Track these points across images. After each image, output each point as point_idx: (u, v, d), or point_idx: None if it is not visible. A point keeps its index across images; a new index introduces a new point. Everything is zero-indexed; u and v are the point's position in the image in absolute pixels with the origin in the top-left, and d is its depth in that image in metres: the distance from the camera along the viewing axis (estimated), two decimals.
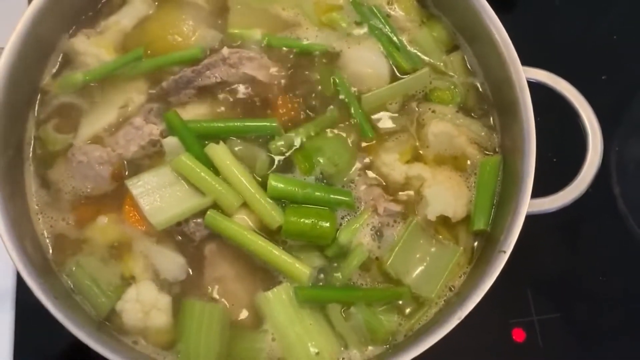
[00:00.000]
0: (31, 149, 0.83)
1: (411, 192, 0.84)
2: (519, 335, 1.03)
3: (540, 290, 1.05)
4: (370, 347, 0.77)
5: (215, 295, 0.78)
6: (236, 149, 0.82)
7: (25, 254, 0.71)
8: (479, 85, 0.91)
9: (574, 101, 0.83)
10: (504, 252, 0.74)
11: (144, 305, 0.75)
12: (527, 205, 0.76)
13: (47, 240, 0.79)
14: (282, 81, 0.88)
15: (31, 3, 0.80)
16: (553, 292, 1.05)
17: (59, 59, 0.87)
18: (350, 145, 0.85)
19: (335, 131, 0.86)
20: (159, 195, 0.79)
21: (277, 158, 0.84)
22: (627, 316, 1.05)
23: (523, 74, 0.81)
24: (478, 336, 0.98)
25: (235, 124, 0.84)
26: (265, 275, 0.80)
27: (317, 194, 0.80)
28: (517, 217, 0.75)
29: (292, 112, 0.85)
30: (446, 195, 0.81)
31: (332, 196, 0.81)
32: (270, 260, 0.77)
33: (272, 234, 0.80)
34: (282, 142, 0.83)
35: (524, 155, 0.78)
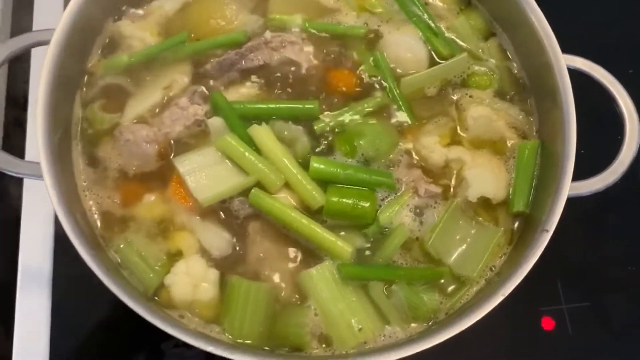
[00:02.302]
0: (79, 129, 0.85)
1: (451, 174, 0.85)
2: (548, 323, 1.03)
3: (570, 279, 1.05)
4: (412, 325, 0.78)
5: (259, 272, 0.80)
6: (278, 130, 0.84)
7: (77, 227, 0.72)
8: (515, 70, 0.93)
9: (611, 88, 0.84)
10: (547, 231, 0.75)
11: (194, 278, 0.77)
12: (569, 186, 0.77)
13: (95, 217, 0.81)
14: (321, 65, 0.89)
15: None
16: (582, 281, 1.05)
17: (105, 42, 0.89)
18: (391, 128, 0.87)
19: (377, 114, 0.87)
20: (205, 174, 0.80)
21: (318, 140, 0.85)
22: None
23: (563, 61, 0.83)
24: (508, 324, 1.00)
25: (277, 105, 0.86)
26: (307, 252, 0.81)
27: (359, 175, 0.82)
28: (559, 198, 0.76)
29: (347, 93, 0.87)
30: (487, 178, 0.83)
31: (373, 177, 0.82)
32: (313, 238, 0.79)
33: (312, 213, 0.81)
34: (326, 123, 0.84)
35: (564, 139, 0.80)
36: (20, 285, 0.97)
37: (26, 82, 1.10)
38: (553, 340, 1.02)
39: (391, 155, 0.85)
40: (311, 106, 0.85)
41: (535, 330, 1.02)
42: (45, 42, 0.81)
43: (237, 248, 0.81)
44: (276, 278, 0.80)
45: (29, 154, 1.03)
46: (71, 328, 0.96)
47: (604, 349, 1.02)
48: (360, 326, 0.76)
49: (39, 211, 1.01)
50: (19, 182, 1.04)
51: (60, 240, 0.99)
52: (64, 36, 0.80)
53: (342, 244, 0.78)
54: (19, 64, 1.14)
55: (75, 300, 0.97)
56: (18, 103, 1.14)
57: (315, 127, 0.85)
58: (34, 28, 1.10)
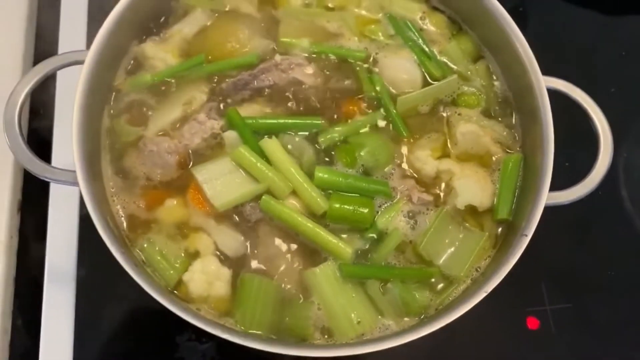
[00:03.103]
0: (107, 140, 0.94)
1: (441, 184, 0.94)
2: (533, 323, 1.11)
3: (553, 282, 1.12)
4: (404, 319, 0.87)
5: (268, 270, 0.89)
6: (286, 143, 0.93)
7: (108, 229, 0.81)
8: (501, 91, 1.02)
9: (587, 107, 0.93)
10: (526, 235, 0.84)
11: (209, 276, 0.85)
12: (546, 195, 0.86)
13: (122, 219, 0.90)
14: (325, 84, 0.99)
15: (109, 15, 0.92)
16: (565, 284, 1.13)
17: (130, 62, 0.99)
18: (388, 142, 0.96)
19: (374, 129, 0.97)
20: (220, 182, 0.89)
21: (322, 151, 0.94)
22: (632, 308, 1.13)
23: (543, 83, 0.91)
24: (495, 323, 1.08)
25: (285, 120, 0.95)
26: (312, 253, 0.90)
27: (358, 183, 0.91)
28: (538, 206, 0.85)
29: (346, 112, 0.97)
30: (474, 187, 0.91)
31: (371, 186, 0.91)
32: (317, 240, 0.88)
33: (317, 218, 0.90)
34: (329, 136, 0.93)
35: (543, 153, 0.89)
36: (47, 284, 1.05)
37: (46, 95, 1.19)
38: (538, 339, 1.09)
39: (388, 167, 0.94)
40: (316, 121, 0.95)
41: (521, 329, 1.09)
42: (79, 62, 0.91)
43: (249, 248, 0.90)
44: (283, 275, 0.88)
45: (56, 161, 1.11)
46: (93, 323, 1.04)
47: (584, 346, 1.10)
48: (359, 319, 0.85)
49: (64, 213, 1.09)
50: (44, 186, 1.12)
51: (84, 242, 1.07)
52: (96, 57, 0.89)
53: (343, 246, 0.87)
54: None
55: (97, 297, 1.05)
56: (38, 113, 1.22)
57: (320, 140, 0.94)
58: (60, 50, 1.19)
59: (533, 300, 1.11)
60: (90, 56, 0.88)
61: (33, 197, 1.16)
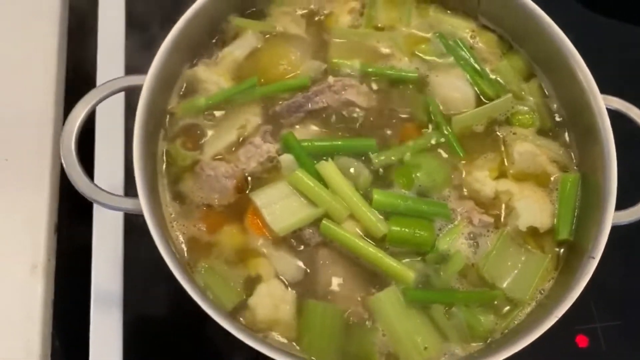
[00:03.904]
0: (164, 165, 0.94)
1: (500, 205, 0.93)
2: (582, 341, 1.10)
3: (603, 299, 1.11)
4: (471, 344, 0.86)
5: (329, 295, 0.87)
6: (342, 165, 0.92)
7: (172, 254, 0.80)
8: (555, 109, 1.01)
9: None
10: (593, 258, 0.83)
11: (275, 299, 0.84)
12: (612, 218, 0.85)
13: (182, 244, 0.89)
14: (378, 105, 0.98)
15: (165, 39, 0.91)
16: (615, 301, 1.12)
17: (183, 86, 0.98)
18: (445, 162, 0.95)
19: (429, 150, 0.96)
20: (279, 206, 0.88)
21: (378, 173, 0.93)
22: None
23: (602, 102, 0.91)
24: (544, 342, 1.06)
25: (340, 142, 0.94)
26: (372, 277, 0.89)
27: (417, 206, 0.90)
28: (604, 228, 0.84)
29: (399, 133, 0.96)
30: (535, 208, 0.91)
31: (430, 208, 0.90)
32: (379, 265, 0.87)
33: (376, 241, 0.89)
34: (385, 158, 0.93)
35: (605, 174, 0.87)
36: (94, 308, 1.04)
37: None
38: (588, 357, 1.08)
39: (445, 188, 0.93)
40: (370, 143, 0.94)
41: (570, 347, 1.08)
42: (132, 87, 0.91)
43: (309, 273, 0.89)
44: (345, 301, 0.87)
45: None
46: (143, 346, 1.03)
47: None
48: (425, 345, 0.84)
49: (108, 236, 1.08)
50: (80, 207, 1.11)
51: (129, 264, 1.07)
52: (153, 81, 0.89)
53: (406, 270, 0.86)
54: None
55: (145, 319, 1.05)
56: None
57: (375, 162, 0.93)
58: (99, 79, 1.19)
59: (582, 318, 1.10)
60: (148, 80, 0.88)
61: (69, 218, 1.16)
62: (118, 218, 1.10)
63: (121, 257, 1.07)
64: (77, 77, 1.27)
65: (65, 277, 1.12)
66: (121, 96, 1.15)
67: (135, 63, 1.21)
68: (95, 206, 1.11)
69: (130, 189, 1.09)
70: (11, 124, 1.17)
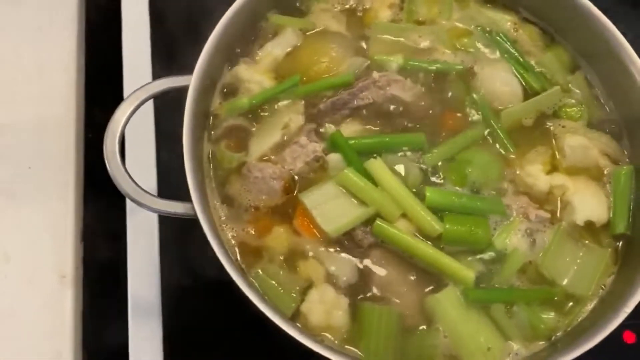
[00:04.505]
0: (210, 167, 0.91)
1: (555, 200, 0.91)
2: (629, 337, 1.08)
3: None
4: (535, 342, 0.84)
5: (385, 297, 0.85)
6: (390, 163, 0.90)
7: (227, 256, 0.78)
8: (603, 100, 0.99)
9: None
10: None
11: (327, 305, 0.82)
12: None
13: (235, 248, 0.86)
14: (424, 100, 0.96)
15: (208, 39, 0.89)
16: None
17: (224, 87, 0.96)
18: (497, 157, 0.93)
19: (480, 144, 0.94)
20: (329, 207, 0.86)
21: (428, 170, 0.91)
22: None
23: None
24: None
25: (388, 139, 0.92)
26: (428, 278, 0.86)
27: (472, 203, 0.88)
28: None
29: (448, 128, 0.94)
30: (591, 202, 0.89)
31: (485, 205, 0.88)
32: (437, 265, 0.84)
33: (430, 240, 0.87)
34: (435, 154, 0.91)
35: None
36: (132, 318, 1.01)
37: None
38: (635, 353, 1.06)
39: (498, 183, 0.91)
40: (419, 138, 0.92)
41: (617, 344, 1.05)
42: (174, 89, 0.88)
43: (362, 275, 0.86)
44: (402, 302, 0.85)
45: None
46: (183, 354, 1.00)
47: None
48: (489, 346, 0.81)
49: (143, 244, 1.06)
50: (122, 218, 1.09)
51: (165, 271, 1.04)
52: (198, 82, 0.86)
53: (466, 270, 0.83)
54: None
55: (184, 328, 1.01)
56: None
57: (426, 158, 0.91)
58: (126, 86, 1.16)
59: (629, 314, 1.08)
60: (194, 80, 0.85)
61: (96, 226, 1.13)
62: (153, 224, 1.07)
63: (157, 264, 1.04)
64: (100, 82, 1.25)
65: (96, 286, 1.10)
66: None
67: (164, 66, 1.19)
68: (128, 212, 1.09)
69: (163, 193, 1.07)
70: (33, 132, 1.16)
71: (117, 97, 1.15)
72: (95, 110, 1.22)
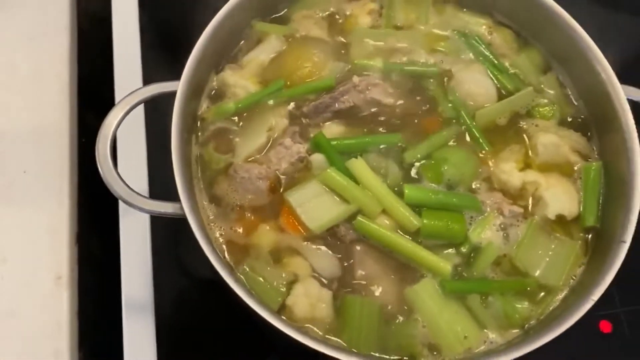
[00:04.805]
0: (198, 169, 0.95)
1: (528, 195, 0.95)
2: (605, 326, 1.12)
3: (624, 284, 1.12)
4: (509, 331, 0.88)
5: (367, 290, 0.89)
6: (371, 162, 0.94)
7: (215, 253, 0.82)
8: (574, 100, 1.04)
9: None
10: (624, 242, 0.85)
11: (311, 298, 0.86)
12: (639, 202, 0.87)
13: (223, 246, 0.90)
14: (402, 102, 1.00)
15: (192, 53, 0.93)
16: (636, 286, 1.12)
17: (212, 91, 1.00)
18: (472, 155, 0.97)
19: (456, 143, 0.98)
20: (313, 205, 0.90)
21: (406, 168, 0.95)
22: None
23: (622, 92, 0.93)
24: (568, 329, 1.08)
25: (367, 139, 0.97)
26: (408, 270, 0.90)
27: (448, 199, 0.92)
28: (633, 211, 0.86)
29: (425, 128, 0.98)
30: (562, 197, 0.93)
31: (461, 201, 0.92)
32: (415, 258, 0.88)
33: (409, 235, 0.91)
34: (413, 153, 0.95)
35: (628, 161, 0.90)
36: (126, 316, 1.04)
37: None
38: (611, 342, 1.10)
39: (473, 180, 0.96)
40: (396, 137, 0.96)
41: (594, 333, 1.10)
42: (164, 94, 0.92)
43: (345, 269, 0.90)
44: (383, 294, 0.89)
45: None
46: (176, 351, 1.03)
47: None
48: (465, 334, 0.86)
49: (136, 244, 1.09)
50: (115, 219, 1.13)
51: (158, 270, 1.07)
52: (185, 87, 0.90)
53: (443, 262, 0.88)
54: None
55: (177, 325, 1.05)
56: None
57: (405, 156, 0.95)
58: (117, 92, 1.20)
59: (605, 304, 1.09)
60: (181, 86, 0.89)
61: (91, 227, 1.17)
62: (145, 225, 1.10)
63: (150, 265, 1.08)
64: (92, 88, 1.28)
65: (91, 286, 1.13)
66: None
67: (153, 72, 1.22)
68: (121, 214, 1.12)
69: (154, 194, 1.10)
70: (28, 138, 1.18)
71: (109, 102, 1.19)
72: (88, 115, 1.26)
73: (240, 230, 0.91)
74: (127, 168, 1.12)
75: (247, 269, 0.88)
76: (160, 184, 1.10)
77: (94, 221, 1.17)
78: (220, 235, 0.91)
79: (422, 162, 0.96)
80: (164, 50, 1.26)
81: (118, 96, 1.19)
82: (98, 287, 1.14)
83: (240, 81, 0.99)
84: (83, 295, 1.11)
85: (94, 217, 1.17)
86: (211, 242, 0.84)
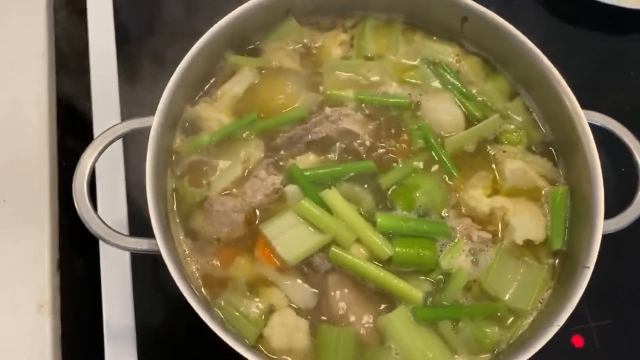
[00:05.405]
0: (174, 203, 0.97)
1: (496, 221, 0.98)
2: (577, 341, 1.15)
3: (595, 299, 1.14)
4: (480, 356, 0.91)
5: (342, 319, 0.91)
6: (345, 191, 0.96)
7: (190, 290, 0.83)
8: (540, 125, 1.07)
9: (627, 141, 0.98)
10: (588, 267, 0.88)
11: (288, 329, 0.88)
12: (602, 227, 0.90)
13: (198, 280, 0.92)
14: (374, 131, 1.03)
15: (169, 82, 0.94)
16: (606, 299, 1.16)
17: (186, 125, 1.02)
18: (441, 182, 1.00)
19: (426, 171, 1.01)
20: (288, 236, 0.92)
21: (380, 196, 0.98)
22: None
23: (584, 118, 0.96)
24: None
25: (340, 168, 0.99)
26: (382, 299, 0.93)
27: (419, 226, 0.95)
28: (595, 238, 0.89)
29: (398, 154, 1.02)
30: (529, 222, 0.96)
31: (432, 227, 0.95)
32: (387, 286, 0.91)
33: (382, 263, 0.93)
34: (385, 181, 0.98)
35: (591, 185, 0.93)
36: (107, 344, 1.06)
37: None
38: (583, 357, 1.13)
39: (444, 207, 0.98)
40: (368, 165, 0.99)
41: (566, 348, 1.13)
42: (139, 129, 0.94)
43: (321, 299, 0.92)
44: (358, 323, 0.91)
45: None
46: None
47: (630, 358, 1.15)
48: None
49: (116, 271, 1.10)
50: (93, 244, 1.13)
51: (139, 296, 1.09)
52: (160, 122, 0.92)
53: (414, 290, 0.90)
54: None
55: (159, 353, 1.07)
56: None
57: (382, 181, 0.97)
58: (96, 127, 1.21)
59: (577, 319, 1.13)
60: (155, 122, 0.91)
61: (73, 255, 1.18)
62: (125, 253, 1.12)
63: (131, 291, 1.09)
64: (72, 115, 1.29)
65: (74, 314, 1.14)
66: None
67: (130, 99, 1.24)
68: (101, 244, 1.13)
69: (134, 228, 1.12)
70: (7, 166, 1.19)
71: (88, 126, 1.20)
72: (68, 139, 1.27)
73: (217, 263, 0.93)
74: (106, 202, 1.14)
75: (223, 304, 0.90)
76: (140, 217, 1.11)
77: (75, 247, 1.18)
78: (197, 269, 0.93)
79: (394, 189, 0.98)
80: (141, 71, 1.27)
81: (96, 118, 1.21)
82: (80, 314, 1.15)
83: (214, 114, 1.01)
84: (66, 322, 1.12)
85: (75, 242, 1.18)
86: (187, 278, 0.86)
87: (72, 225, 1.18)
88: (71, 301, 1.14)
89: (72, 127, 1.27)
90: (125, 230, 1.13)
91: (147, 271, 1.11)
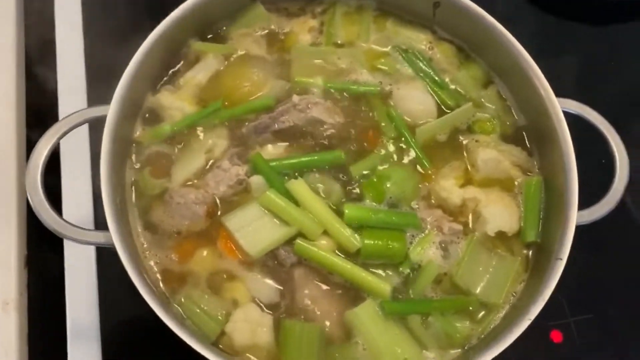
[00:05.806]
0: (133, 195, 0.93)
1: (468, 212, 0.95)
2: (557, 336, 1.13)
3: (573, 294, 1.14)
4: (449, 351, 0.88)
5: (308, 314, 0.88)
6: (312, 182, 0.93)
7: (147, 286, 0.80)
8: (514, 114, 1.04)
9: (600, 126, 0.95)
10: (561, 259, 0.85)
11: (252, 324, 0.85)
12: (575, 219, 0.87)
13: (157, 275, 0.88)
14: (343, 120, 0.99)
15: (127, 68, 0.91)
16: (585, 294, 1.14)
17: (146, 114, 0.98)
18: (412, 173, 0.97)
19: (397, 161, 0.98)
20: (251, 228, 0.89)
21: (349, 187, 0.95)
22: None
23: (559, 106, 0.93)
24: (520, 339, 1.08)
25: (308, 158, 0.95)
26: (349, 293, 0.90)
27: (388, 217, 0.91)
28: (569, 229, 0.87)
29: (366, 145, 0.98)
30: (502, 213, 0.93)
31: (401, 219, 0.92)
32: (354, 280, 0.88)
33: (350, 256, 0.90)
34: (355, 171, 0.95)
35: (566, 175, 0.90)
36: (70, 342, 1.03)
37: None
38: (563, 352, 1.11)
39: (414, 198, 0.95)
40: (337, 155, 0.95)
41: (546, 343, 1.11)
42: (98, 118, 0.90)
43: (286, 294, 0.89)
44: (324, 318, 0.88)
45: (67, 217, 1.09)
46: None
47: (610, 355, 1.12)
48: (405, 356, 0.85)
49: (81, 268, 1.07)
50: (60, 241, 1.10)
51: (104, 293, 1.05)
52: (117, 111, 0.88)
53: (382, 283, 0.87)
54: None
55: (123, 351, 1.03)
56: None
57: (354, 170, 0.94)
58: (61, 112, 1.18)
59: (555, 314, 1.12)
60: (111, 111, 0.87)
61: (40, 251, 1.14)
62: (90, 248, 1.08)
63: (95, 288, 1.05)
64: (39, 110, 1.26)
65: (40, 311, 1.10)
66: (85, 126, 1.14)
67: (98, 91, 1.20)
68: (64, 242, 1.10)
69: (100, 221, 1.08)
70: None
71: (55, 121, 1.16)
72: (35, 135, 1.23)
73: (177, 257, 0.90)
74: (71, 196, 1.11)
75: (183, 299, 0.87)
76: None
77: (44, 245, 1.15)
78: (155, 263, 0.89)
79: (364, 180, 0.95)
80: (107, 64, 1.22)
81: (62, 113, 1.17)
82: (47, 312, 1.11)
83: (176, 102, 0.97)
84: (32, 320, 1.08)
85: (44, 240, 1.14)
86: (142, 272, 0.82)
87: (38, 223, 1.16)
88: (37, 298, 1.10)
89: (39, 122, 1.24)
90: (92, 225, 1.09)
91: (113, 268, 1.07)
